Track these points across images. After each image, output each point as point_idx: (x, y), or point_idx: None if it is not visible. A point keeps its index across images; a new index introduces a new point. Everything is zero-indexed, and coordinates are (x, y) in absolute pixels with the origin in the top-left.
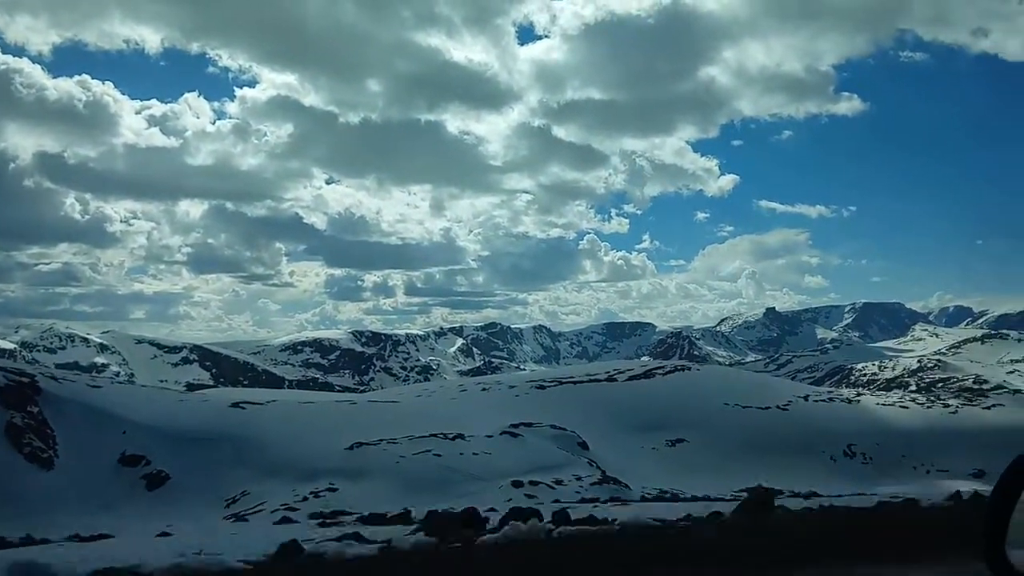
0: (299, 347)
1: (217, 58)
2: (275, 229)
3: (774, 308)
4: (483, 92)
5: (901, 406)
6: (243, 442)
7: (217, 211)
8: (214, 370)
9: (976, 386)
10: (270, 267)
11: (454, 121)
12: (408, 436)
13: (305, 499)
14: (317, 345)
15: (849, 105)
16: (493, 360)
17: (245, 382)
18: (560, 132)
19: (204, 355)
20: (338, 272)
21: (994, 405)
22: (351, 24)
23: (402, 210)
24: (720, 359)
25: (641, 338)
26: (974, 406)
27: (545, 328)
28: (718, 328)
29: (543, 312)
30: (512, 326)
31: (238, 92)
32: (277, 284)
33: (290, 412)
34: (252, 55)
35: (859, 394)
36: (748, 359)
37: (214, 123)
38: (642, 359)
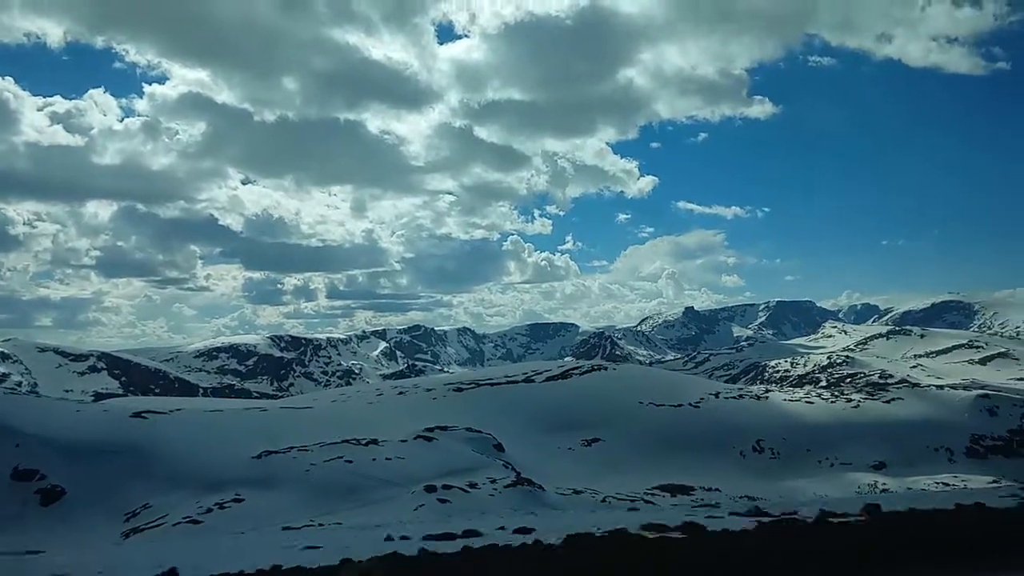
0: (215, 353)
1: (124, 53)
2: (189, 231)
3: (692, 307)
4: (403, 91)
5: (807, 401)
6: (145, 453)
7: (127, 212)
8: (123, 379)
9: (881, 381)
10: (184, 270)
11: (374, 120)
12: (320, 443)
13: (209, 511)
14: (234, 351)
15: (761, 108)
16: (417, 363)
17: (157, 390)
18: (482, 132)
19: (113, 363)
20: (256, 275)
21: (894, 399)
22: (265, 19)
23: (322, 211)
24: (641, 358)
25: (564, 338)
26: (875, 400)
27: (469, 330)
28: (639, 328)
29: (468, 314)
30: (436, 328)
31: (147, 88)
32: (192, 288)
33: (196, 421)
34: (161, 50)
35: (767, 391)
36: (668, 357)
37: (122, 121)
38: (565, 359)
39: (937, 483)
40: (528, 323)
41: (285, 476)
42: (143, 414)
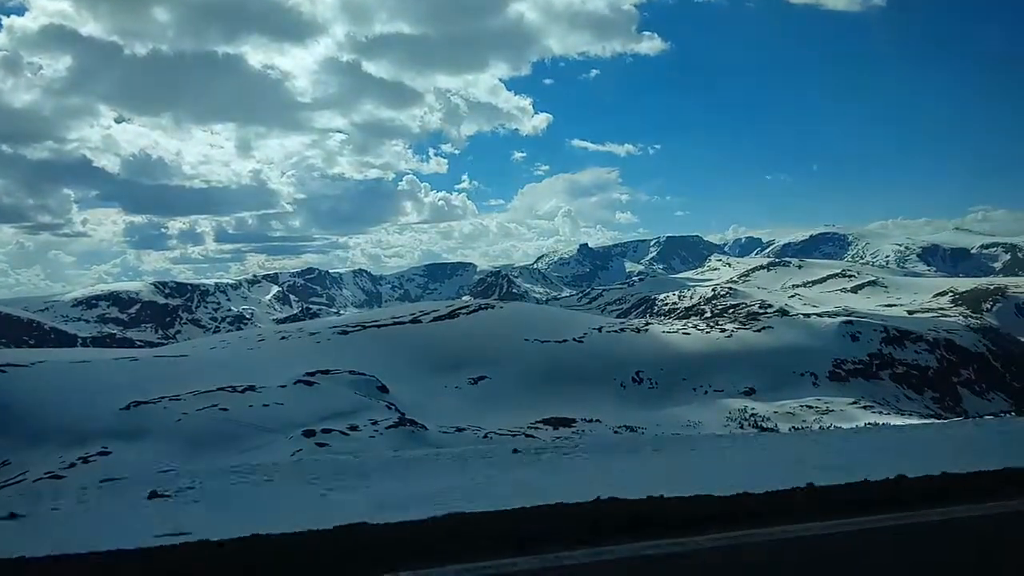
0: (94, 301)
1: None
2: (61, 173)
3: (587, 244)
4: (285, 23)
5: (684, 333)
6: (1, 409)
7: None
8: None
9: (761, 310)
10: (59, 215)
11: (255, 54)
12: (194, 391)
13: (73, 465)
14: (114, 298)
15: (651, 44)
16: (312, 306)
17: (31, 342)
18: (371, 68)
19: None
20: (138, 219)
21: (764, 328)
22: None
23: (205, 151)
24: (537, 295)
25: (462, 278)
26: (747, 329)
27: (365, 272)
28: (535, 265)
29: (365, 255)
30: (331, 271)
31: (5, 21)
32: (69, 234)
33: (60, 373)
34: None
35: (647, 324)
36: (564, 294)
37: None
38: (463, 299)
39: (801, 406)
40: (426, 263)
41: (155, 427)
42: (1, 367)
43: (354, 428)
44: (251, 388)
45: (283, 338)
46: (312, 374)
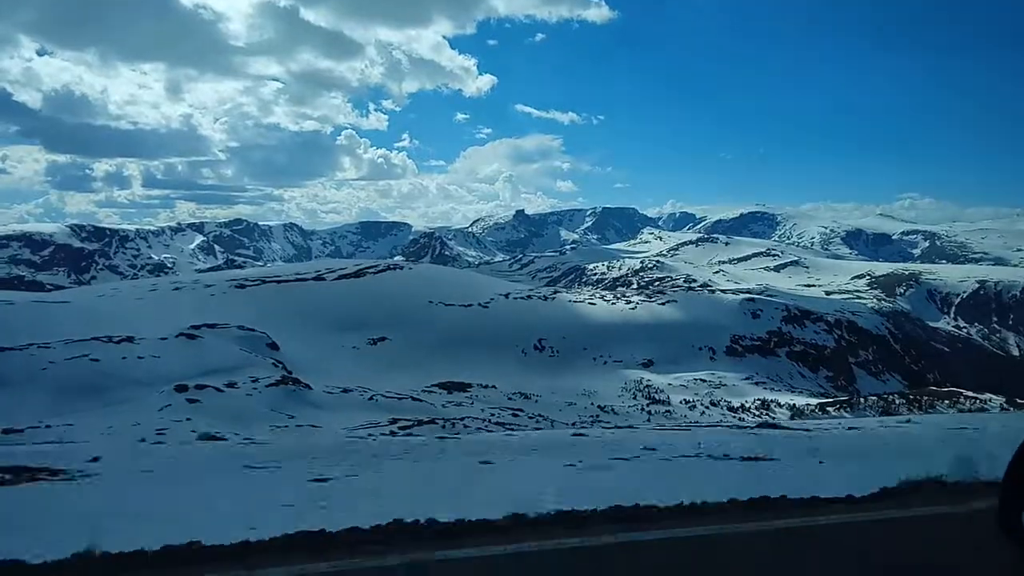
0: (5, 241)
1: None
2: None
3: (523, 211)
4: None
5: (590, 303)
6: None
7: None
8: None
9: (686, 284)
10: None
11: None
12: (66, 339)
13: None
14: (27, 240)
15: (598, 12)
16: (237, 258)
17: None
18: (309, 15)
19: None
20: (61, 158)
21: (669, 301)
22: None
23: (132, 91)
24: (470, 259)
25: (397, 238)
26: (652, 302)
27: (296, 226)
28: (470, 229)
29: (301, 210)
30: (260, 223)
31: None
32: None
33: None
34: None
35: (555, 292)
36: (497, 259)
37: None
38: (395, 258)
39: (696, 379)
40: (362, 221)
41: (18, 375)
42: None
43: (232, 385)
44: (128, 339)
45: (176, 289)
46: (197, 327)
